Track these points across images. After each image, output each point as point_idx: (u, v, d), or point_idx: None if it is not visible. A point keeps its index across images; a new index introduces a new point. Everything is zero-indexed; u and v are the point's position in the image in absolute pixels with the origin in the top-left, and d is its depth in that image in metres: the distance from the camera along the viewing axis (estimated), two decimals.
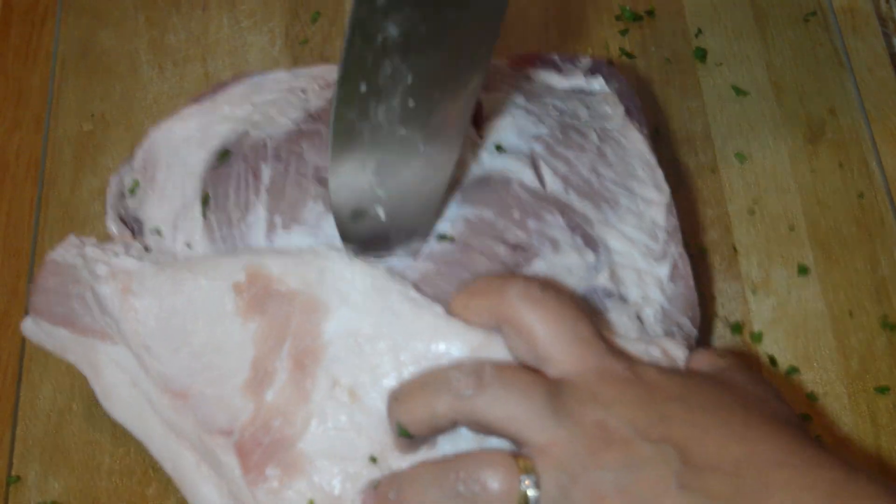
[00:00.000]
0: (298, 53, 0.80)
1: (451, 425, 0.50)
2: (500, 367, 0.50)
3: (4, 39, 0.81)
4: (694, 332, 0.59)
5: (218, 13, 0.82)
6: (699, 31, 0.79)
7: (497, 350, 0.52)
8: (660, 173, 0.62)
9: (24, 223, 0.74)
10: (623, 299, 0.57)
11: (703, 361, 0.54)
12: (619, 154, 0.61)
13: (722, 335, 0.68)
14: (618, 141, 0.62)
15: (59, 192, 0.75)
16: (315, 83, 0.64)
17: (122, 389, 0.58)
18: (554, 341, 0.50)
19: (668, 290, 0.59)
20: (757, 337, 0.67)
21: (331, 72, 0.66)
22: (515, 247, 0.56)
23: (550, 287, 0.51)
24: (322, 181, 0.58)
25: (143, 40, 0.81)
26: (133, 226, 0.61)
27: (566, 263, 0.56)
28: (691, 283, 0.60)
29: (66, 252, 0.59)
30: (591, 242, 0.57)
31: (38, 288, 0.59)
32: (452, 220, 0.57)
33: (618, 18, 0.80)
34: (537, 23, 0.80)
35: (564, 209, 0.58)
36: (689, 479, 0.46)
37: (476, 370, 0.49)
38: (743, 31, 0.79)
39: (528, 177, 0.58)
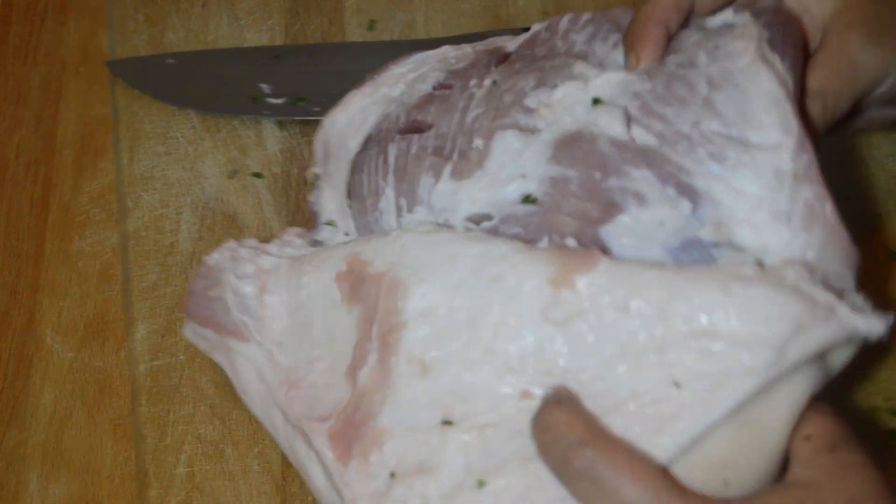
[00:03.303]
0: None
1: None
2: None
3: (4, 39, 0.81)
4: (849, 278, 0.53)
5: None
6: None
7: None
8: (789, 110, 0.55)
9: (24, 223, 0.74)
10: (737, 248, 0.54)
11: (820, 440, 0.49)
12: (735, 101, 0.56)
13: None
14: (737, 85, 0.56)
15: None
16: (471, 48, 0.64)
17: (253, 385, 0.60)
18: None
19: (801, 239, 0.53)
20: None
21: (496, 41, 0.65)
22: (599, 204, 0.55)
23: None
24: (439, 151, 0.58)
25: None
26: (313, 220, 0.63)
27: (656, 217, 0.54)
28: (834, 221, 0.53)
29: (221, 256, 0.61)
30: (688, 192, 0.54)
31: (189, 291, 0.62)
32: (538, 179, 0.56)
33: None
34: None
35: (653, 161, 0.55)
36: None
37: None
38: None
39: (618, 132, 0.56)
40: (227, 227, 0.73)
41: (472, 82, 0.61)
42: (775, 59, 0.56)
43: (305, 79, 0.78)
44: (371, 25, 0.81)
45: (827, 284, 0.51)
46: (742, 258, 0.53)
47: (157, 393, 0.67)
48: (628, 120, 0.56)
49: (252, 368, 0.59)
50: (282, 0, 0.82)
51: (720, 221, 0.54)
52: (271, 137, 0.76)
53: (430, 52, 0.65)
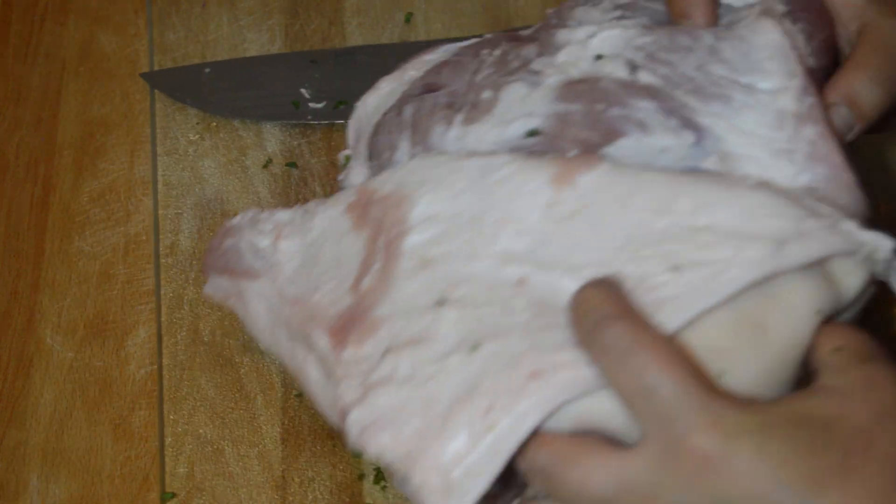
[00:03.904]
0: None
1: None
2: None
3: (4, 39, 0.81)
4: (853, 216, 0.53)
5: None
6: None
7: None
8: (792, 56, 0.56)
9: (24, 223, 0.74)
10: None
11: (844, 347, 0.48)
12: (740, 49, 0.57)
13: None
14: (742, 37, 0.57)
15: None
16: (503, 37, 0.65)
17: (262, 317, 0.61)
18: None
19: (805, 176, 0.54)
20: None
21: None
22: (601, 131, 0.56)
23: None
24: (451, 104, 0.60)
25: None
26: None
27: (659, 144, 0.55)
28: (838, 160, 0.53)
29: (241, 218, 0.63)
30: (692, 125, 0.55)
31: (207, 248, 0.64)
32: (543, 116, 0.57)
33: None
34: None
35: (657, 95, 0.56)
36: None
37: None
38: None
39: (622, 72, 0.57)
40: None
41: (484, 52, 0.63)
42: (784, 20, 0.58)
43: (344, 81, 0.78)
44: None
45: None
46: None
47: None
48: (633, 68, 0.57)
49: (262, 301, 0.61)
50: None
51: (725, 154, 0.54)
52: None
53: (463, 42, 0.66)
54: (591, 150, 0.55)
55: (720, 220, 0.49)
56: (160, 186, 0.75)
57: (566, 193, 0.52)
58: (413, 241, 0.55)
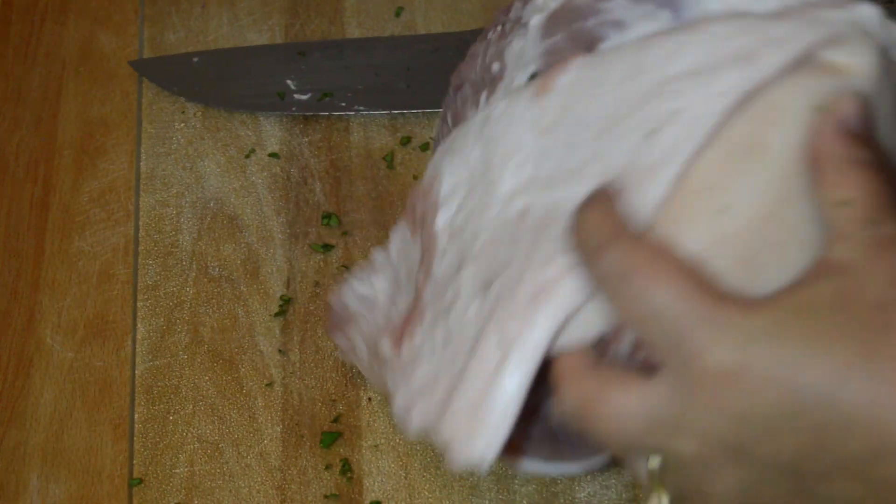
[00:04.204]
0: None
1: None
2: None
3: (4, 39, 0.81)
4: None
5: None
6: None
7: None
8: None
9: (24, 223, 0.74)
10: None
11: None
12: None
13: None
14: None
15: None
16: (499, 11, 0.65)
17: (363, 356, 0.60)
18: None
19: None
20: None
21: None
22: (583, 45, 0.54)
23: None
24: (475, 91, 0.60)
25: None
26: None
27: (640, 34, 0.52)
28: None
29: (349, 277, 0.63)
30: (666, 3, 0.52)
31: (329, 323, 0.64)
32: (537, 57, 0.56)
33: None
34: None
35: None
36: None
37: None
38: None
39: None
40: (227, 227, 0.73)
41: (489, 33, 0.62)
42: None
43: (331, 74, 0.78)
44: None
45: None
46: None
47: (157, 393, 0.67)
48: None
49: (360, 338, 0.60)
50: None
51: (707, 13, 0.52)
52: (271, 137, 0.76)
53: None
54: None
55: (689, 62, 0.47)
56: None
57: (547, 101, 0.51)
58: (442, 218, 0.54)
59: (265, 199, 0.74)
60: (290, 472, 0.65)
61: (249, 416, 0.66)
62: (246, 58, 0.79)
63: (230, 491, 0.64)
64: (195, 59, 0.79)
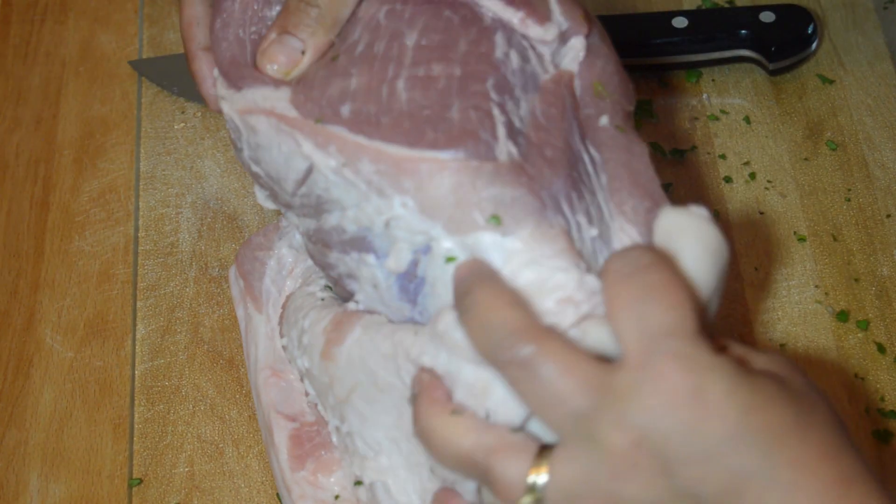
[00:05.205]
0: None
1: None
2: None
3: (4, 39, 0.81)
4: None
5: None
6: None
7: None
8: None
9: (24, 223, 0.74)
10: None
11: (762, 361, 0.47)
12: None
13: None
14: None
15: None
16: None
17: (252, 353, 0.63)
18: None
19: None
20: (863, 325, 0.69)
21: None
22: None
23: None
24: None
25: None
26: None
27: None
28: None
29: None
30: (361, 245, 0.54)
31: (246, 240, 0.65)
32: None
33: None
34: None
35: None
36: None
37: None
38: None
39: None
40: (227, 227, 0.73)
41: None
42: None
43: None
44: None
45: None
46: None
47: (157, 393, 0.67)
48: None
49: (256, 338, 0.62)
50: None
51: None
52: None
53: None
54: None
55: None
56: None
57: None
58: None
59: None
60: None
61: (249, 416, 0.66)
62: None
63: (230, 491, 0.64)
64: None
